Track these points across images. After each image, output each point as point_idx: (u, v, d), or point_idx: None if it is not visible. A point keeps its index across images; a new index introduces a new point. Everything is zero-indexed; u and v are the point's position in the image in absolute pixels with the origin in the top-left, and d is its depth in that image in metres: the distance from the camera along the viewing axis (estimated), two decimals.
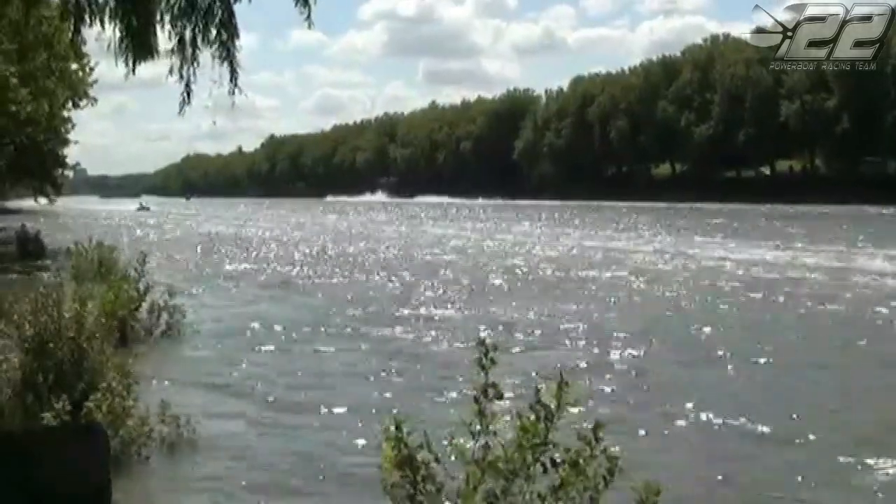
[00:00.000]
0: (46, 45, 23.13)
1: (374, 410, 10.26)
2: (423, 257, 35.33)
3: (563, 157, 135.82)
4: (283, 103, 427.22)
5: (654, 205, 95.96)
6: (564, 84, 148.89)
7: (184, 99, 7.29)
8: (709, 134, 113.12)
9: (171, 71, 7.09)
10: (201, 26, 6.88)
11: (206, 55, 6.98)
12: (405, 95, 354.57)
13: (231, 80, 7.05)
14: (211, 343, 15.52)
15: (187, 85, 7.13)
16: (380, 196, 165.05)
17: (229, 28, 6.93)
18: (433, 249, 39.48)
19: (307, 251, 39.66)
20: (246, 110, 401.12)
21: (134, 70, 7.21)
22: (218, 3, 6.85)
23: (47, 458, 5.38)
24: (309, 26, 6.78)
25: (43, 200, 63.51)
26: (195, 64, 7.01)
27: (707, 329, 16.65)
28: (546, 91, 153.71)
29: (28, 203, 74.41)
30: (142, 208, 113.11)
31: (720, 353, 14.28)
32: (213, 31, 6.90)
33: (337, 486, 8.21)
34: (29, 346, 8.90)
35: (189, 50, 6.96)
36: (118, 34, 7.03)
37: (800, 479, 8.33)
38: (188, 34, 6.90)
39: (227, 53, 6.95)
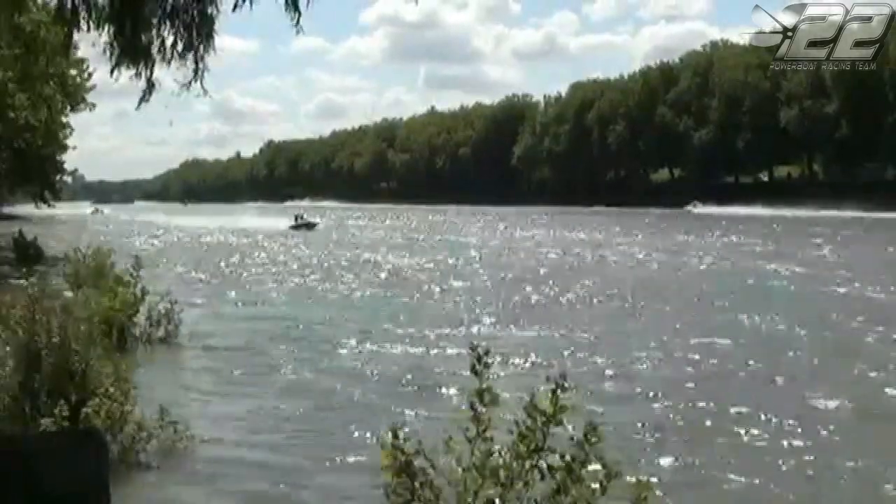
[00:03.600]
0: (44, 50, 23.15)
1: (374, 417, 10.25)
2: None
3: (561, 162, 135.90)
4: (284, 108, 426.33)
5: (651, 210, 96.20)
6: (564, 90, 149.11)
7: (143, 94, 7.32)
8: (707, 139, 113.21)
9: (141, 75, 7.11)
10: (183, 31, 6.89)
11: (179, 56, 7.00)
12: (406, 100, 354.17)
13: (196, 79, 7.06)
14: (210, 349, 15.49)
15: (149, 81, 7.16)
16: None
17: (207, 30, 6.94)
18: None
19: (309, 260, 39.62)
20: (247, 115, 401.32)
21: (114, 72, 7.20)
22: (195, 6, 6.87)
23: (46, 462, 5.36)
24: (297, 32, 6.77)
25: (91, 209, 62.68)
26: (172, 65, 7.04)
27: None
28: (545, 96, 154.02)
29: (28, 209, 73.55)
30: (300, 224, 69.13)
31: None
32: (194, 35, 6.92)
33: (336, 492, 8.20)
34: (25, 352, 8.88)
35: (167, 53, 6.97)
36: (108, 38, 7.04)
37: None
38: (170, 38, 6.91)
39: (196, 54, 6.97)
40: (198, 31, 6.90)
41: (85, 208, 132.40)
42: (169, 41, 6.94)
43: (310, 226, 68.84)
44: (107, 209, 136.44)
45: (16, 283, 19.18)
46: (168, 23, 6.94)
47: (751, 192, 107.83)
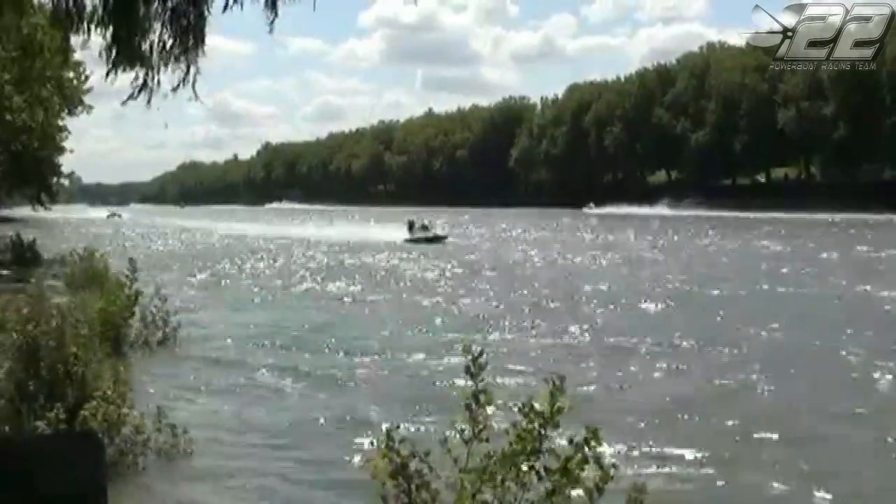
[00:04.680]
0: (41, 52, 23.15)
1: (372, 419, 10.25)
2: None
3: (559, 164, 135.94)
4: (282, 110, 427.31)
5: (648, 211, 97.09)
6: (561, 92, 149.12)
7: (133, 93, 7.32)
8: (704, 141, 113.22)
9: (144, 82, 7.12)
10: (180, 33, 6.90)
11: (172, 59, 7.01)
12: (405, 103, 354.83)
13: (184, 83, 7.07)
14: (207, 352, 15.47)
15: (145, 83, 7.16)
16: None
17: (200, 33, 6.96)
18: None
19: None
20: (244, 118, 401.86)
21: (115, 76, 7.21)
22: (192, 9, 6.88)
23: (42, 465, 5.34)
24: (270, 31, 6.78)
25: (107, 213, 60.54)
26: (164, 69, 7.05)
27: None
28: (542, 98, 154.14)
29: (25, 212, 73.00)
30: (419, 238, 48.99)
31: None
32: (189, 38, 6.93)
33: (333, 494, 8.19)
34: (23, 354, 8.86)
35: (165, 56, 6.98)
36: (104, 41, 7.05)
37: None
38: (169, 41, 6.92)
39: (188, 57, 6.98)
40: (193, 34, 6.89)
41: (88, 212, 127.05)
42: (168, 43, 6.94)
43: (435, 239, 48.20)
44: (125, 214, 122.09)
45: (12, 286, 19.19)
46: (168, 26, 6.94)
47: (749, 193, 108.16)
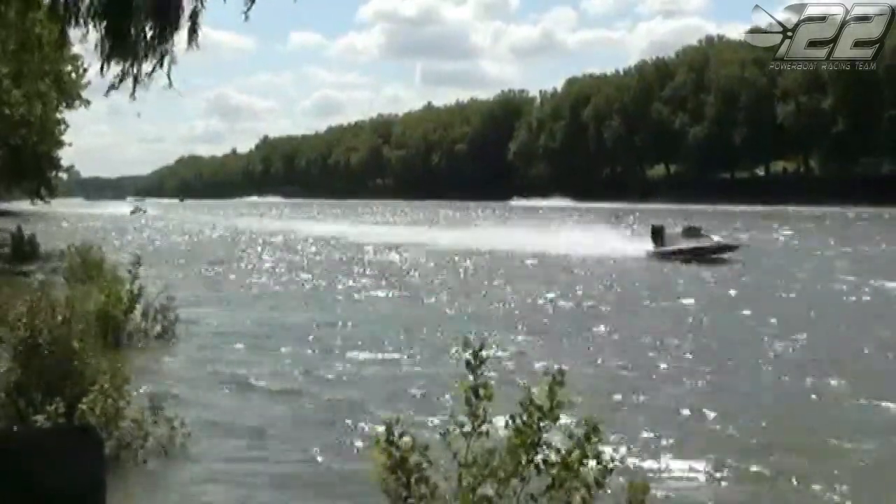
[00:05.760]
0: (39, 46, 23.09)
1: (372, 414, 10.23)
2: None
3: (557, 158, 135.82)
4: (282, 105, 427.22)
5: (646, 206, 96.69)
6: (560, 85, 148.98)
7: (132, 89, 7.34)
8: (703, 135, 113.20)
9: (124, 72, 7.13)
10: (166, 25, 6.93)
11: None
12: (404, 96, 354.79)
13: (158, 66, 7.09)
14: (207, 346, 15.44)
15: (136, 77, 7.17)
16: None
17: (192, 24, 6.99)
18: None
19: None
20: (243, 112, 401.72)
21: (109, 67, 7.22)
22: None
23: (42, 459, 5.35)
24: (246, 18, 6.80)
25: (130, 208, 59.58)
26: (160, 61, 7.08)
27: None
28: (541, 92, 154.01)
29: (24, 205, 72.79)
30: (688, 246, 32.25)
31: None
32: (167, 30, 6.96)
33: (333, 490, 8.19)
34: (22, 349, 8.85)
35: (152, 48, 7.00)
36: (99, 34, 7.07)
37: None
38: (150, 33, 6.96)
39: (162, 47, 7.01)
40: (176, 25, 6.94)
41: (81, 206, 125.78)
42: (154, 35, 6.97)
43: (716, 251, 32.24)
44: (150, 208, 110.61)
45: (12, 280, 19.15)
46: (154, 17, 6.96)
47: (748, 187, 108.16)
